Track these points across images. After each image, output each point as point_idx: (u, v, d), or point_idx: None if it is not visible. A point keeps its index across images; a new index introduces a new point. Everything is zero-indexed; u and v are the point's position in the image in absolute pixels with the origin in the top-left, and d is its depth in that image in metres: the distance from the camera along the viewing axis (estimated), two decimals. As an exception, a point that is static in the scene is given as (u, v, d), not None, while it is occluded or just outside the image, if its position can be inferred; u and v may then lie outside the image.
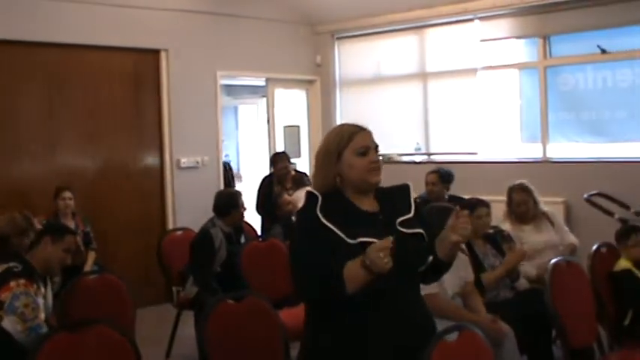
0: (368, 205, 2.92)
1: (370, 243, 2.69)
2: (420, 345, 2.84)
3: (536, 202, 5.94)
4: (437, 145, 9.18)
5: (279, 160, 8.28)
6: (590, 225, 6.99)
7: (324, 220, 2.79)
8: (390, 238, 2.63)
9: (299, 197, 7.53)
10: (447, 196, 6.71)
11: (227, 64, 9.03)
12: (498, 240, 5.36)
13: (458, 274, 4.45)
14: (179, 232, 6.84)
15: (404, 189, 3.03)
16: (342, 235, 2.77)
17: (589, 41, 7.95)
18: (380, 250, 2.60)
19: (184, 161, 8.51)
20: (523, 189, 5.93)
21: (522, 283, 5.21)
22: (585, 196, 6.86)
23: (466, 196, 6.64)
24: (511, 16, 8.51)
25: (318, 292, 2.78)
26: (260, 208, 8.22)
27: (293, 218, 7.12)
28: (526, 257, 5.42)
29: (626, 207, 6.54)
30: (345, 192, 2.90)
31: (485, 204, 5.26)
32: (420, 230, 2.91)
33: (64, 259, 4.40)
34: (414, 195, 3.05)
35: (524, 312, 4.83)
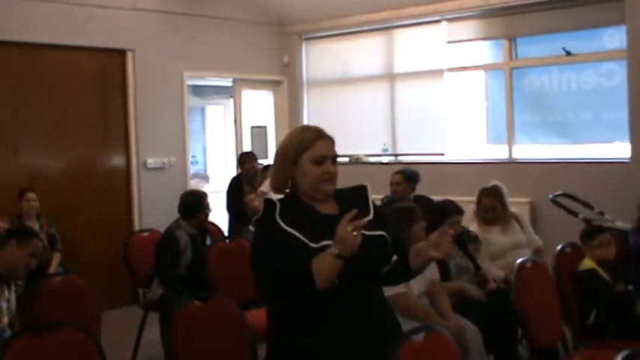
0: (327, 207, 2.91)
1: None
2: (384, 346, 2.84)
3: (505, 206, 5.98)
4: (404, 146, 9.21)
5: (246, 159, 8.27)
6: (555, 225, 7.05)
7: (284, 226, 2.78)
8: (355, 210, 2.65)
9: (267, 186, 7.56)
10: (412, 197, 6.72)
11: (194, 64, 8.99)
12: (465, 240, 5.39)
13: (423, 273, 4.46)
14: (145, 234, 6.79)
15: (362, 190, 3.03)
16: (305, 240, 2.76)
17: (554, 43, 8.04)
18: (346, 226, 2.61)
19: (151, 162, 8.46)
20: (493, 194, 5.96)
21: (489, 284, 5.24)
22: (550, 196, 6.92)
23: (433, 197, 6.70)
24: (477, 17, 8.57)
25: (287, 294, 2.75)
26: (229, 209, 8.20)
27: (250, 228, 7.10)
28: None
29: (590, 207, 6.60)
30: (302, 195, 2.90)
31: (460, 211, 5.31)
32: (382, 232, 2.91)
33: (29, 264, 4.35)
34: (380, 196, 3.07)
35: (491, 312, 4.87)
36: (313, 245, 2.74)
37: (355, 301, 2.81)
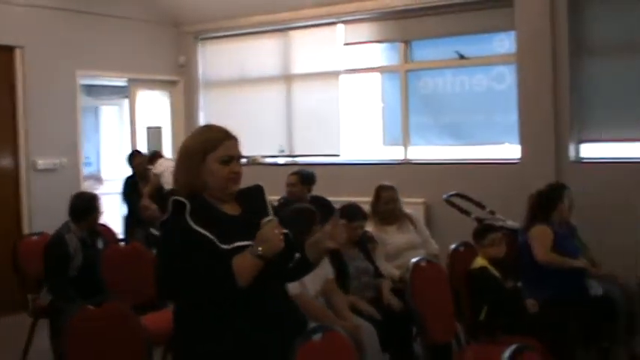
0: (230, 208, 2.94)
1: (245, 247, 2.75)
2: (292, 342, 2.87)
3: (400, 203, 6.12)
4: (300, 147, 9.24)
5: (135, 156, 8.26)
6: (449, 224, 7.19)
7: (196, 227, 2.78)
8: (276, 219, 2.76)
9: (158, 168, 7.57)
10: (308, 197, 6.75)
11: (87, 63, 8.77)
12: (365, 242, 5.45)
13: (318, 273, 4.49)
14: (35, 237, 6.55)
15: (259, 190, 3.09)
16: (216, 242, 2.77)
17: (448, 47, 8.21)
18: (273, 227, 2.71)
19: (41, 163, 8.19)
20: (391, 187, 6.11)
21: (386, 284, 5.30)
22: (444, 196, 7.05)
23: (330, 198, 6.75)
24: (373, 20, 8.67)
25: (201, 293, 2.76)
26: (125, 209, 8.10)
27: (152, 231, 7.02)
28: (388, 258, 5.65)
29: (482, 207, 6.76)
30: (206, 195, 2.90)
31: (365, 216, 5.39)
32: (286, 230, 2.95)
33: None
34: (276, 197, 3.13)
35: (388, 310, 4.94)
36: (224, 247, 2.77)
37: (264, 299, 2.85)
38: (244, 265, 2.72)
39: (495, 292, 4.87)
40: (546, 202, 5.55)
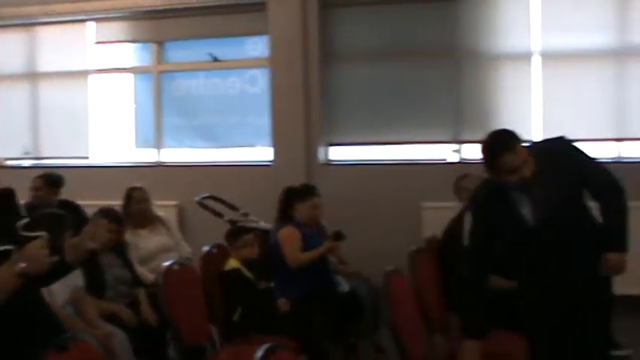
0: None
1: (2, 252, 2.69)
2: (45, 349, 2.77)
3: (151, 205, 6.11)
4: (47, 149, 8.85)
5: None
6: (202, 227, 7.19)
7: None
8: (46, 235, 2.70)
9: None
10: (56, 201, 6.49)
11: None
12: (122, 248, 5.32)
13: (66, 281, 4.34)
14: None
15: (10, 193, 2.98)
16: None
17: (202, 49, 8.23)
18: (41, 247, 2.64)
19: None
20: (141, 188, 6.10)
21: (142, 294, 5.19)
22: (196, 199, 7.05)
23: (80, 202, 6.55)
24: (127, 19, 8.52)
25: None
26: None
27: None
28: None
29: (236, 209, 6.83)
30: None
31: (122, 220, 5.27)
32: (43, 233, 2.87)
33: None
34: (21, 202, 3.05)
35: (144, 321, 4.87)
36: None
37: (21, 304, 2.80)
38: (2, 280, 2.64)
39: (248, 293, 4.94)
40: (290, 202, 5.73)
